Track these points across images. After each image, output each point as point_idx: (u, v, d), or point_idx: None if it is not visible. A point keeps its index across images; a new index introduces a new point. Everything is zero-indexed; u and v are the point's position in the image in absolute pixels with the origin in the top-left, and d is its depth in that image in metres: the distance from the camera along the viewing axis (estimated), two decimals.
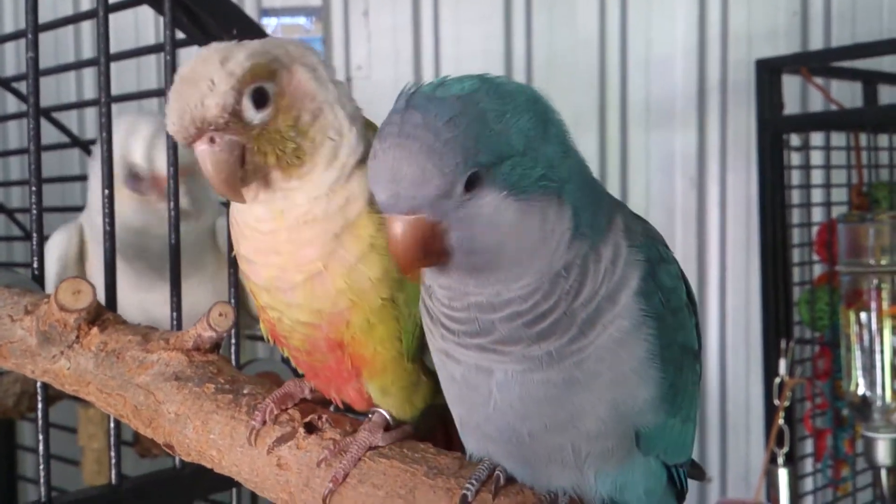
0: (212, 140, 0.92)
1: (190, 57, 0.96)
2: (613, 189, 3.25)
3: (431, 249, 0.81)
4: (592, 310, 0.86)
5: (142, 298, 1.74)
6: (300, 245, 0.95)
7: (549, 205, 0.82)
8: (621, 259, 0.87)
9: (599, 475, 0.93)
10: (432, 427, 1.10)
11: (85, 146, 2.26)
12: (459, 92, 0.80)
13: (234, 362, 1.56)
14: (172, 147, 1.47)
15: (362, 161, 0.95)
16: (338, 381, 1.03)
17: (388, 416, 1.00)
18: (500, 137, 0.79)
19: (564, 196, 0.83)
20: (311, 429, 1.00)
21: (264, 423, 1.01)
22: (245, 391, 1.06)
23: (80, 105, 2.29)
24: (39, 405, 1.42)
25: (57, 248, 1.83)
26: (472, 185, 0.79)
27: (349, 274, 0.96)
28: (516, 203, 0.81)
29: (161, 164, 1.64)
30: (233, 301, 1.51)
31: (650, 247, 0.90)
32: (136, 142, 1.67)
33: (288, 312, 0.99)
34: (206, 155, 0.92)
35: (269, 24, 3.29)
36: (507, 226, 0.81)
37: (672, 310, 0.91)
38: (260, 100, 0.92)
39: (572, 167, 0.85)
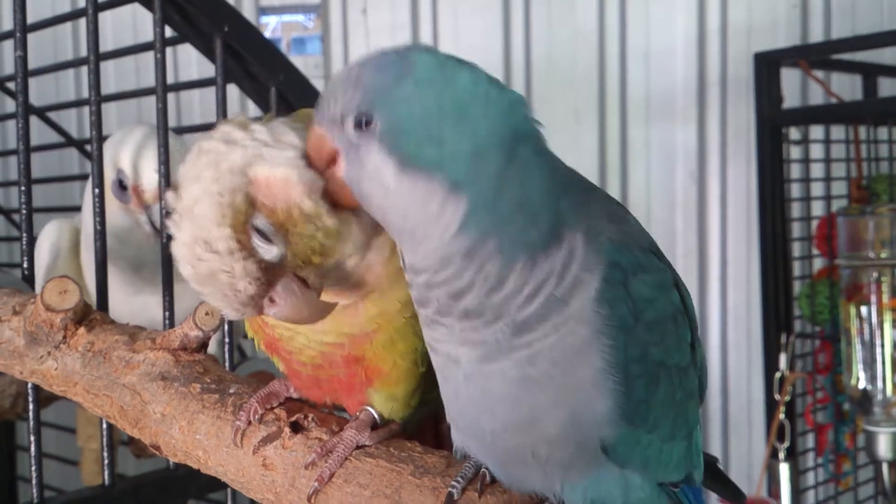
0: (272, 300, 0.87)
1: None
2: (613, 184, 3.24)
3: (324, 171, 0.87)
4: (535, 308, 0.83)
5: (139, 301, 1.74)
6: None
7: (434, 188, 0.81)
8: (575, 261, 0.84)
9: (566, 484, 0.91)
10: (421, 423, 1.09)
11: (81, 146, 2.26)
12: (416, 58, 0.83)
13: (227, 362, 1.56)
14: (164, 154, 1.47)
15: None
16: (342, 392, 1.01)
17: (375, 415, 0.99)
18: (406, 105, 0.81)
19: (462, 192, 0.81)
20: (296, 428, 0.99)
21: (249, 423, 1.00)
22: (231, 391, 1.05)
23: (73, 105, 2.29)
24: (31, 406, 1.41)
25: (48, 238, 1.81)
26: (360, 127, 0.82)
27: (380, 300, 0.94)
28: (397, 169, 0.81)
29: (145, 178, 1.61)
30: None
31: (621, 253, 0.86)
32: (125, 149, 1.65)
33: (310, 335, 0.96)
34: (282, 314, 0.89)
35: (268, 22, 3.28)
36: (383, 186, 0.82)
37: (647, 322, 0.87)
38: (261, 233, 0.87)
39: (489, 171, 0.82)
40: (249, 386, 1.06)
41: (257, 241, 0.85)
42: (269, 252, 0.85)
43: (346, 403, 1.03)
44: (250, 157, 0.87)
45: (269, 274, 0.86)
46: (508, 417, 0.88)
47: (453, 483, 0.90)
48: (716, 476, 1.14)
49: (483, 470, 0.93)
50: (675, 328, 0.91)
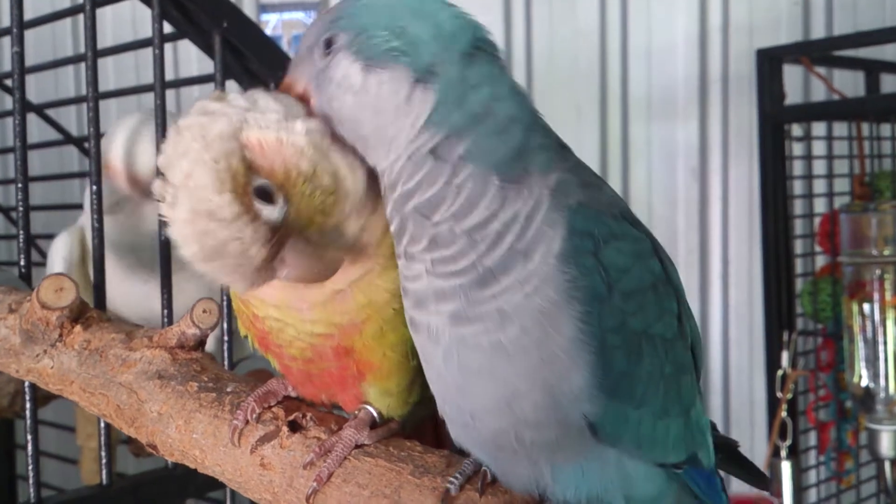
0: (283, 261, 0.86)
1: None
2: (615, 181, 3.23)
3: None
4: (500, 255, 0.83)
5: (146, 289, 1.72)
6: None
7: (400, 78, 0.83)
8: (539, 213, 0.83)
9: (556, 470, 0.88)
10: (421, 422, 1.07)
11: (79, 143, 2.25)
12: None
13: (226, 360, 1.55)
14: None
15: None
16: (336, 388, 1.00)
17: (374, 413, 0.98)
18: (365, 12, 0.86)
19: (429, 83, 0.83)
20: (295, 427, 0.97)
21: (246, 422, 0.99)
22: (229, 389, 1.03)
23: (72, 101, 2.27)
24: (28, 405, 1.40)
25: (60, 252, 1.81)
26: (329, 47, 0.86)
27: (368, 288, 0.93)
28: (364, 68, 0.84)
29: (139, 166, 1.60)
30: (225, 299, 1.48)
31: (592, 222, 0.84)
32: (115, 141, 1.64)
33: (299, 326, 0.95)
34: (295, 274, 0.88)
35: (269, 19, 3.27)
36: (352, 90, 0.85)
37: (623, 292, 0.85)
38: (262, 194, 0.85)
39: (453, 64, 0.84)
40: (247, 384, 1.05)
41: (259, 204, 0.83)
42: (273, 213, 0.84)
43: (342, 399, 1.01)
44: (236, 123, 0.85)
45: (276, 237, 0.84)
46: (485, 394, 0.86)
47: (451, 479, 0.89)
48: (736, 460, 1.11)
49: (483, 468, 0.91)
50: (655, 298, 0.89)
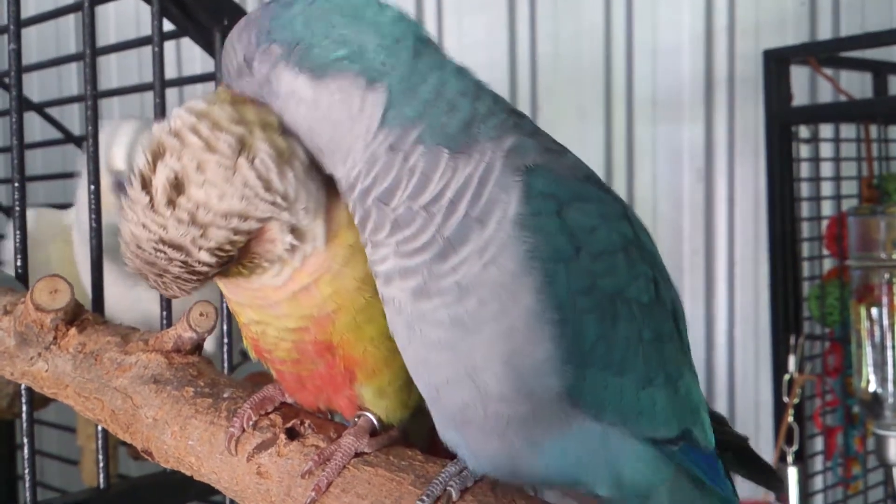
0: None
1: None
2: (619, 182, 3.21)
3: None
4: (456, 224, 0.82)
5: (133, 295, 1.71)
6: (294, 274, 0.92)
7: (351, 85, 0.83)
8: (492, 176, 0.82)
9: (533, 446, 0.85)
10: (422, 428, 1.05)
11: (79, 142, 2.23)
12: None
13: (226, 363, 1.53)
14: None
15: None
16: (329, 390, 0.98)
17: (374, 420, 0.95)
18: (300, 21, 0.83)
19: (379, 83, 0.83)
20: (292, 435, 0.95)
21: (243, 430, 0.97)
22: (225, 395, 1.01)
23: (71, 100, 2.25)
24: (24, 408, 1.38)
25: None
26: (264, 61, 0.84)
27: (334, 280, 0.92)
28: (311, 80, 0.83)
29: None
30: (223, 302, 1.46)
31: (554, 183, 0.83)
32: (117, 147, 1.61)
33: (275, 322, 0.95)
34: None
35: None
36: (303, 102, 0.84)
37: (592, 253, 0.83)
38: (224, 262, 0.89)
39: (401, 62, 0.84)
40: (244, 390, 1.03)
41: None
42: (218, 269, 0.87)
43: (338, 404, 0.99)
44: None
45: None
46: (447, 367, 0.85)
47: (427, 492, 0.86)
48: (745, 459, 1.08)
49: (465, 471, 0.89)
50: (627, 260, 0.86)
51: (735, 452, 1.05)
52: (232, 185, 0.83)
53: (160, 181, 0.83)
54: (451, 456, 0.94)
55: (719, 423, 1.02)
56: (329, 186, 0.91)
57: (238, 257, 0.87)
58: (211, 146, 0.83)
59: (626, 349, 0.86)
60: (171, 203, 0.82)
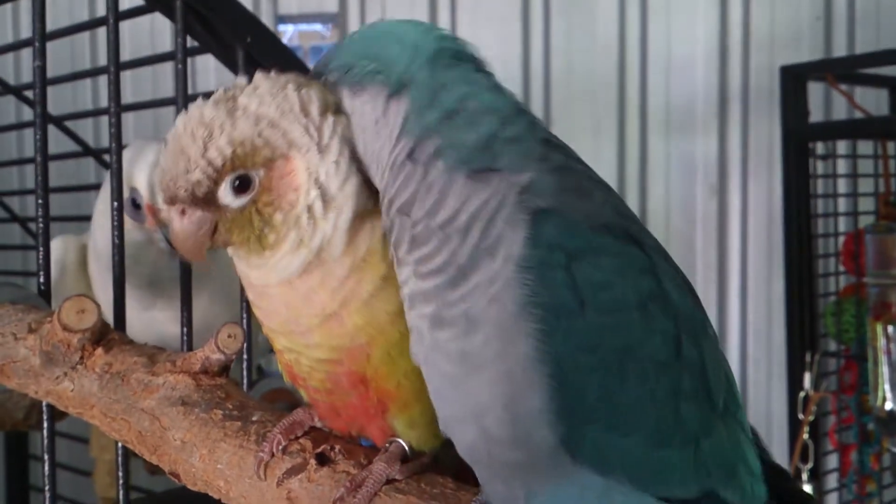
0: (182, 211, 0.90)
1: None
2: (632, 196, 3.21)
3: None
4: (468, 250, 0.82)
5: (148, 317, 1.71)
6: (304, 295, 0.92)
7: (377, 94, 0.89)
8: (503, 211, 0.82)
9: (530, 495, 0.83)
10: (452, 452, 1.04)
11: (98, 155, 2.23)
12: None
13: (245, 381, 1.52)
14: None
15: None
16: (362, 421, 0.97)
17: (405, 447, 0.95)
18: (344, 51, 0.93)
19: (403, 94, 0.88)
20: (323, 460, 0.95)
21: (272, 454, 0.96)
22: (254, 418, 1.01)
23: (93, 114, 2.26)
24: (45, 423, 1.37)
25: (53, 254, 1.78)
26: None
27: (364, 309, 0.91)
28: (350, 95, 0.91)
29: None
30: (245, 321, 1.46)
31: (562, 227, 0.81)
32: (138, 169, 1.62)
33: (307, 352, 0.95)
34: (173, 224, 0.92)
35: (286, 30, 3.26)
36: (350, 116, 0.91)
37: (600, 309, 0.80)
38: (241, 186, 0.89)
39: (425, 75, 0.88)
40: (273, 414, 1.02)
41: (227, 188, 0.89)
42: (228, 198, 0.89)
43: (371, 433, 0.99)
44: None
45: (202, 205, 0.89)
46: (455, 404, 0.85)
47: None
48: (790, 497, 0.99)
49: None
50: (643, 317, 0.82)
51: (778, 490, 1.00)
52: (273, 98, 0.90)
53: (219, 94, 0.91)
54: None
55: (782, 477, 0.98)
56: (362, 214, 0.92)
57: (256, 199, 0.89)
58: (270, 78, 0.92)
59: (635, 409, 0.82)
60: (217, 102, 0.89)
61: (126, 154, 1.60)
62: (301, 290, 0.91)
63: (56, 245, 1.80)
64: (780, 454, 3.02)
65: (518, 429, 0.81)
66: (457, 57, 0.90)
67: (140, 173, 1.60)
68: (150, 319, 1.69)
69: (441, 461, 0.97)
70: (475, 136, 0.84)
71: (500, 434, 0.82)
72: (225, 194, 0.89)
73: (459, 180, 0.83)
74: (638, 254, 0.84)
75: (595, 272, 0.80)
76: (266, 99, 0.89)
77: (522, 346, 0.79)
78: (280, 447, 0.97)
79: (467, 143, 0.84)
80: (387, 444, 0.95)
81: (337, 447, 0.96)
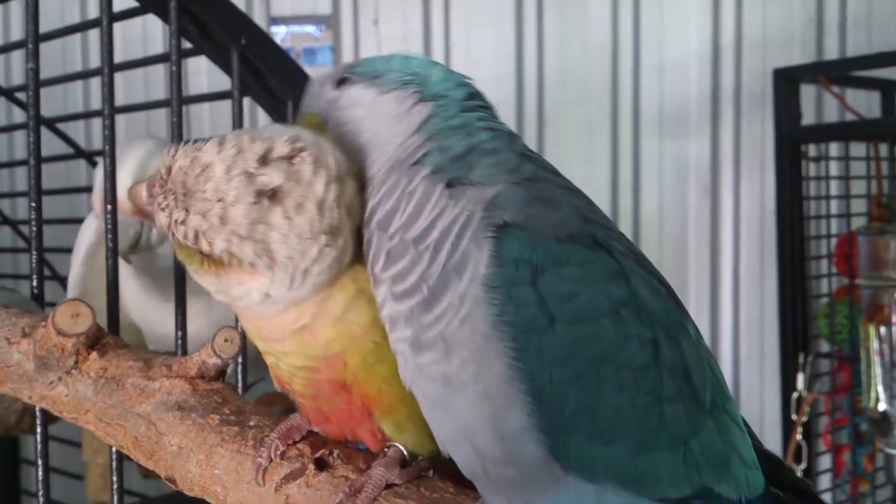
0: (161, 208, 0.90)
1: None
2: (626, 198, 3.21)
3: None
4: (438, 270, 0.82)
5: (170, 308, 1.68)
6: (275, 312, 0.90)
7: (408, 96, 0.93)
8: (469, 229, 0.82)
9: None
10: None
11: (90, 157, 2.22)
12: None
13: (240, 384, 1.51)
14: None
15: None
16: (350, 424, 0.96)
17: (404, 451, 0.94)
18: (377, 64, 0.96)
19: (430, 103, 0.92)
20: (321, 465, 0.94)
21: (270, 460, 0.96)
22: (252, 423, 1.00)
23: (85, 116, 2.25)
24: (38, 429, 1.36)
25: (88, 233, 1.76)
26: (342, 84, 0.96)
27: (337, 324, 0.91)
28: (377, 92, 0.94)
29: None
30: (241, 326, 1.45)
31: (526, 243, 0.81)
32: (123, 168, 1.59)
33: (284, 358, 0.94)
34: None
35: (279, 32, 3.25)
36: (362, 105, 0.94)
37: (570, 321, 0.80)
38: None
39: (450, 99, 0.93)
40: (270, 418, 1.01)
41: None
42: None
43: (362, 437, 0.98)
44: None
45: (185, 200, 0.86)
46: (446, 425, 0.85)
47: None
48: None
49: None
50: (615, 324, 0.81)
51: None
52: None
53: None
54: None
55: (776, 465, 0.98)
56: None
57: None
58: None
59: (615, 417, 0.81)
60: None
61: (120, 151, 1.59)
62: (269, 309, 0.90)
63: (94, 225, 1.76)
64: None
65: (507, 446, 0.81)
66: (480, 103, 0.95)
67: (124, 172, 1.59)
68: (170, 310, 1.67)
69: (441, 463, 0.96)
70: (457, 146, 0.88)
71: (491, 452, 0.82)
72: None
73: (437, 190, 0.85)
74: (607, 260, 0.84)
75: (561, 284, 0.80)
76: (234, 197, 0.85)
77: (497, 366, 0.79)
78: (278, 452, 0.96)
79: (447, 153, 0.88)
80: (385, 449, 0.95)
81: (336, 452, 0.95)
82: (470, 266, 0.81)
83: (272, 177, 0.84)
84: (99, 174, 1.53)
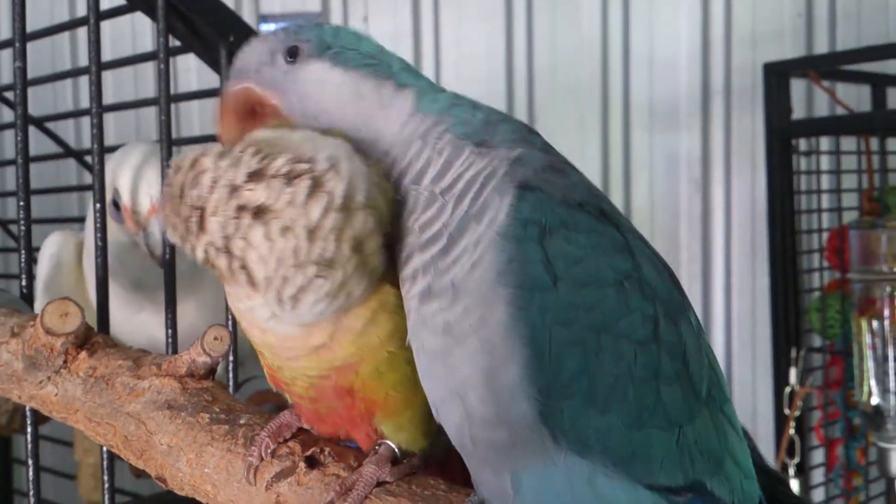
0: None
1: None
2: (617, 191, 3.21)
3: (259, 112, 0.95)
4: (460, 215, 0.85)
5: (138, 320, 1.69)
6: (290, 334, 0.89)
7: (382, 82, 0.93)
8: (494, 179, 0.86)
9: (515, 478, 0.83)
10: (444, 453, 1.02)
11: (80, 156, 2.21)
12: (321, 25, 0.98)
13: (231, 382, 1.51)
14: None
15: None
16: (347, 427, 0.96)
17: (395, 449, 0.94)
18: (332, 35, 0.95)
19: (407, 88, 0.93)
20: (312, 463, 0.94)
21: (261, 459, 0.95)
22: (242, 421, 1.00)
23: (74, 115, 2.24)
24: (29, 428, 1.36)
25: (49, 249, 1.77)
26: (293, 55, 0.93)
27: (358, 339, 0.90)
28: (345, 71, 0.93)
29: (141, 200, 1.55)
30: (231, 324, 1.44)
31: (539, 204, 0.83)
32: (123, 171, 1.58)
33: (296, 370, 0.93)
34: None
35: (268, 30, 3.24)
36: (334, 84, 0.93)
37: (573, 284, 0.81)
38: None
39: (424, 80, 0.96)
40: (260, 416, 1.01)
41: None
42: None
43: (357, 438, 0.98)
44: None
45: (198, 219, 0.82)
46: (441, 383, 0.86)
47: None
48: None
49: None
50: (618, 294, 0.83)
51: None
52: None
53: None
54: (467, 477, 0.92)
55: (776, 482, 0.98)
56: None
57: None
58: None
59: (612, 386, 0.82)
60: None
61: (115, 155, 1.59)
62: (287, 329, 0.89)
63: (52, 240, 1.77)
64: (766, 450, 3.03)
65: (498, 404, 0.82)
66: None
67: (123, 173, 1.58)
68: (140, 323, 1.67)
69: (429, 456, 0.96)
70: (477, 119, 0.91)
71: (482, 411, 0.83)
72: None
73: (466, 151, 0.88)
74: (614, 233, 0.86)
75: (569, 248, 0.82)
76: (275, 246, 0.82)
77: (499, 314, 0.81)
78: (269, 450, 0.96)
79: (473, 123, 0.90)
80: (376, 447, 0.94)
81: (326, 450, 0.95)
82: (489, 213, 0.84)
83: (258, 194, 0.81)
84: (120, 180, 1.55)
